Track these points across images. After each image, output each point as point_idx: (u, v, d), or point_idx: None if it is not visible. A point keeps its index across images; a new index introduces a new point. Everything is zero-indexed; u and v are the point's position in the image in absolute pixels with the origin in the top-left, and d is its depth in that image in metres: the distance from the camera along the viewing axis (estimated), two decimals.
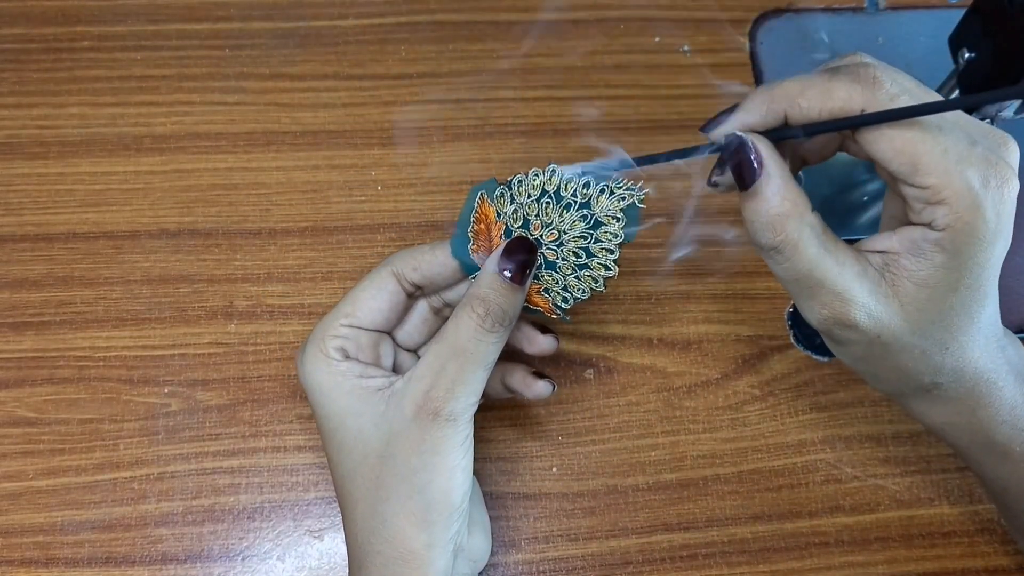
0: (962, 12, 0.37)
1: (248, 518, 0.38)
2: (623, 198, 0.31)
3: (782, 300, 0.43)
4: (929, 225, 0.26)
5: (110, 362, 0.40)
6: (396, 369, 0.33)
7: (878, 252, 0.28)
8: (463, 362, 0.29)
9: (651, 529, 0.38)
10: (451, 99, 0.46)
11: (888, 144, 0.26)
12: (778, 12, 0.50)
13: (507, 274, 0.30)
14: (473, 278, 0.32)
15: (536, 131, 0.46)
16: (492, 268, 0.30)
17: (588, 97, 0.47)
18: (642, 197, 0.31)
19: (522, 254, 0.30)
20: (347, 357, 0.31)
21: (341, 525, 0.38)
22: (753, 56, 0.48)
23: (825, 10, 0.50)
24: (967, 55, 0.37)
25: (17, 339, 0.40)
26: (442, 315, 0.35)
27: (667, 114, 0.47)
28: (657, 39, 0.49)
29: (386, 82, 0.47)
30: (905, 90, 0.26)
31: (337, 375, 0.31)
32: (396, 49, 0.47)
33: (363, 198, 0.44)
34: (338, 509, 0.38)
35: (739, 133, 0.27)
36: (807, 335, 0.42)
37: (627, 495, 0.39)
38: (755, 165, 0.27)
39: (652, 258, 0.43)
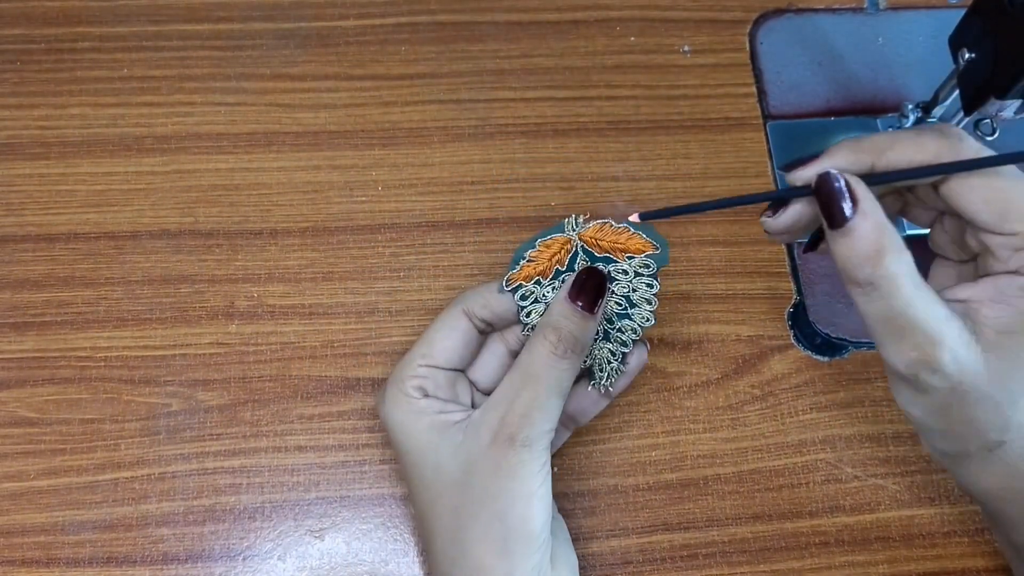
0: (962, 12, 0.37)
1: (249, 518, 0.38)
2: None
3: (782, 300, 0.43)
4: (1016, 271, 0.27)
5: (111, 362, 0.40)
6: (474, 408, 0.34)
7: (958, 301, 0.28)
8: (537, 388, 0.30)
9: (651, 529, 0.38)
10: (452, 99, 0.46)
11: (976, 195, 0.27)
12: (778, 12, 0.50)
13: (579, 304, 0.31)
14: (525, 316, 0.33)
15: (537, 131, 0.46)
16: (563, 297, 0.31)
17: (588, 97, 0.47)
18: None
19: (593, 283, 0.31)
20: (426, 395, 0.32)
21: (341, 525, 0.38)
22: (753, 56, 0.48)
23: (825, 10, 0.50)
24: (967, 55, 0.37)
25: (18, 339, 0.40)
26: None
27: (667, 114, 0.47)
28: (657, 39, 0.49)
29: (387, 82, 0.47)
30: (986, 151, 0.27)
31: (416, 412, 0.31)
32: (397, 50, 0.48)
33: (364, 198, 0.44)
34: (339, 508, 0.38)
35: (833, 171, 0.27)
36: (807, 335, 0.42)
37: (627, 495, 0.39)
38: (850, 203, 0.27)
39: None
